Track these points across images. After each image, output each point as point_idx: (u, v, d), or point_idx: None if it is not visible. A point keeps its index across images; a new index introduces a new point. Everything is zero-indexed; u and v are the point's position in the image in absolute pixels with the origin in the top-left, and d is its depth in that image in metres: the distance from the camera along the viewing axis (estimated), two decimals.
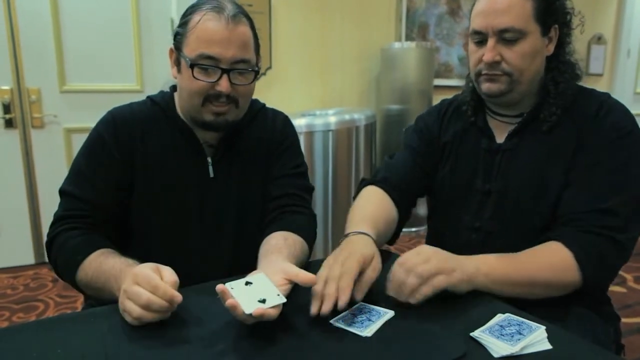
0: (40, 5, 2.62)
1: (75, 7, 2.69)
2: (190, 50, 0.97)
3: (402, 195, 1.17)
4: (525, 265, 0.91)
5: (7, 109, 2.66)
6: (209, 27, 0.95)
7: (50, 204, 2.82)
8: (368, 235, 0.95)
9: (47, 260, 2.81)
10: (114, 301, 0.82)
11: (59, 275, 0.99)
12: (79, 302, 2.40)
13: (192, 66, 0.96)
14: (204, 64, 0.96)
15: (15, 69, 2.65)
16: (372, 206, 1.11)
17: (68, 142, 2.80)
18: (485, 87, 1.04)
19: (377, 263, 0.86)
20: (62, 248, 0.97)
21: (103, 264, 0.89)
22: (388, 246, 1.17)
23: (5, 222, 2.76)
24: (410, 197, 1.20)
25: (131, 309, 0.74)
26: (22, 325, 0.81)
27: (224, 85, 0.97)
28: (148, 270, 0.77)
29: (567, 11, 1.04)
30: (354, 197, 1.18)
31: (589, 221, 0.93)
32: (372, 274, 0.83)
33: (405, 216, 1.18)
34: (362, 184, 1.20)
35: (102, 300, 0.89)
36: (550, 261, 0.92)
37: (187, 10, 1.00)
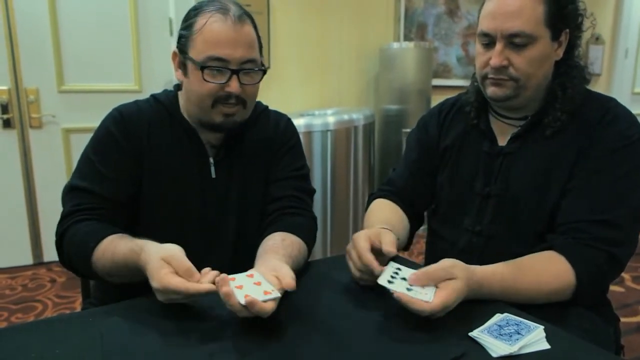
0: (38, 5, 2.61)
1: (73, 7, 2.68)
2: (198, 53, 0.97)
3: (410, 205, 1.21)
4: (528, 279, 0.90)
5: (5, 109, 2.65)
6: (215, 28, 0.95)
7: (48, 204, 2.82)
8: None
9: (45, 260, 2.83)
10: (120, 297, 0.83)
11: (73, 268, 0.97)
12: (77, 302, 2.39)
13: (202, 69, 0.96)
14: (213, 65, 0.96)
15: (13, 68, 2.64)
16: (384, 212, 1.17)
17: (66, 142, 2.79)
18: (491, 91, 1.03)
19: (387, 232, 0.94)
20: (75, 237, 0.95)
21: (116, 250, 0.88)
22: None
23: (3, 223, 2.75)
24: (418, 206, 1.23)
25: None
26: (20, 325, 0.81)
27: (234, 86, 0.97)
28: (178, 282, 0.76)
29: (579, 13, 1.01)
30: (366, 209, 1.23)
31: (589, 233, 0.92)
32: (388, 236, 0.92)
33: (416, 224, 1.24)
34: (371, 198, 1.26)
35: (128, 282, 0.89)
36: (551, 273, 0.91)
37: (189, 13, 1.00)
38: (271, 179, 1.13)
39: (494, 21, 0.97)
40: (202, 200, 1.06)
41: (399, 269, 0.85)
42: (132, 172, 1.02)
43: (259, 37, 1.04)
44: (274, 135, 1.15)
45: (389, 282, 0.80)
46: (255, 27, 1.02)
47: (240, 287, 0.74)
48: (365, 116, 2.90)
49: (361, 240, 0.90)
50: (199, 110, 1.02)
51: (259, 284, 0.76)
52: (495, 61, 0.98)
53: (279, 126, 1.17)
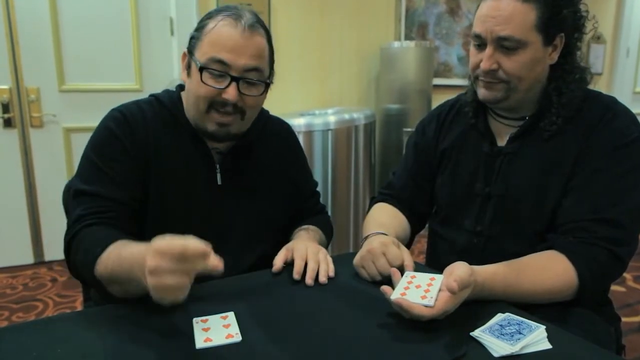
0: (39, 4, 2.61)
1: (74, 6, 2.68)
2: (202, 54, 0.95)
3: (410, 208, 1.23)
4: (529, 278, 0.90)
5: (5, 108, 2.65)
6: (223, 32, 0.94)
7: (49, 204, 2.82)
8: (385, 234, 1.03)
9: (45, 259, 2.83)
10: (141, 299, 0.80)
11: (79, 276, 0.93)
12: (78, 301, 2.40)
13: (201, 69, 0.94)
14: (213, 68, 0.94)
15: (14, 68, 2.64)
16: (384, 215, 1.19)
17: (67, 141, 2.79)
18: (482, 93, 1.04)
19: (397, 243, 0.98)
20: (81, 243, 0.90)
21: (122, 251, 0.81)
22: None
23: (4, 222, 2.75)
24: (418, 209, 1.24)
25: (167, 281, 0.65)
26: (21, 325, 0.81)
27: (231, 93, 0.94)
28: (168, 239, 0.66)
29: (579, 15, 1.00)
30: (366, 213, 1.27)
31: (591, 232, 0.92)
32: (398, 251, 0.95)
33: (417, 227, 1.26)
34: (372, 202, 1.28)
35: (130, 297, 0.81)
36: (553, 272, 0.91)
37: (205, 15, 0.99)
38: (296, 198, 1.19)
39: (486, 24, 0.97)
40: (208, 208, 1.04)
41: (414, 276, 0.85)
42: (138, 174, 0.98)
43: (271, 51, 1.01)
44: (284, 147, 1.18)
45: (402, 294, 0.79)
46: (269, 39, 1.00)
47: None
48: (365, 116, 2.90)
49: (395, 249, 0.95)
50: (195, 114, 1.00)
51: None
52: (485, 64, 0.99)
53: (289, 139, 1.21)
